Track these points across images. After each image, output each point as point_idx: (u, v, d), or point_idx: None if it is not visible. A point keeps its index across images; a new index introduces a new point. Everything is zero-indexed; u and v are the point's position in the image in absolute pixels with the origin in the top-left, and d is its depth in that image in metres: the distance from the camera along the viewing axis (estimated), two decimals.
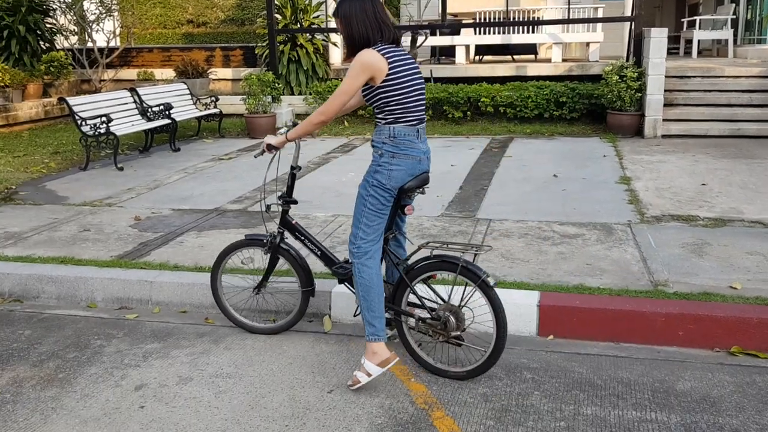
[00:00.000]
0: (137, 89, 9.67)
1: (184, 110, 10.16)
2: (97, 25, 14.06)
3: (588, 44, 13.08)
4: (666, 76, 9.59)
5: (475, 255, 3.33)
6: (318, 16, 12.84)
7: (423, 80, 3.29)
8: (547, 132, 9.96)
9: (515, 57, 14.11)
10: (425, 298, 3.42)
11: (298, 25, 12.42)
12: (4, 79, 11.77)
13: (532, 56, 14.20)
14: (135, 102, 9.42)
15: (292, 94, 12.45)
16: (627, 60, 10.49)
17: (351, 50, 3.19)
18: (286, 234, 3.76)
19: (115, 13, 14.72)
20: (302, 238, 3.71)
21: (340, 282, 3.70)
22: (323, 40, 13.06)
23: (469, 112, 10.71)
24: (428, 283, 3.47)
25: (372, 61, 3.08)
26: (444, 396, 3.23)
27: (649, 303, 3.85)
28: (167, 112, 9.44)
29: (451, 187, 6.83)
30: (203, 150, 9.47)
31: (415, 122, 3.23)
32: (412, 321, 3.46)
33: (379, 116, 3.23)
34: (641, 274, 4.32)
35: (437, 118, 10.93)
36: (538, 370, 3.47)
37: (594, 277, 4.30)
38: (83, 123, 8.26)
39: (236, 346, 3.80)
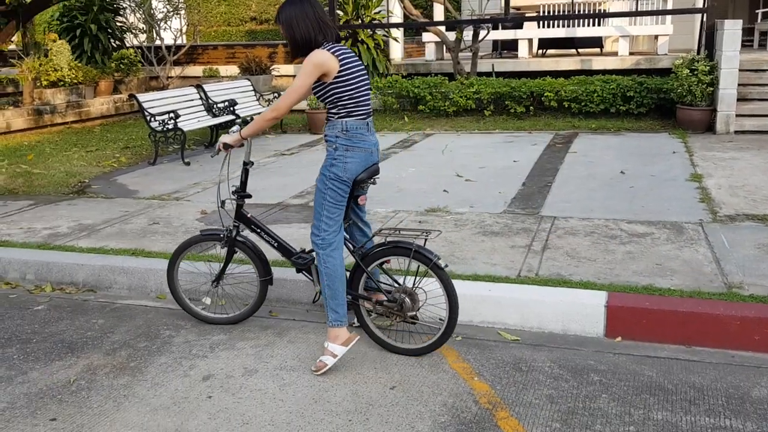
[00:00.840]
0: (203, 86, 9.90)
1: (248, 106, 10.34)
2: (165, 23, 14.46)
3: (656, 37, 12.67)
4: (739, 70, 9.20)
5: (425, 240, 3.50)
6: (379, 12, 12.86)
7: (368, 77, 3.48)
8: (613, 127, 9.71)
9: (580, 50, 13.80)
10: (381, 282, 3.65)
11: (360, 21, 12.46)
12: (77, 77, 12.24)
13: (597, 50, 13.86)
14: (201, 98, 9.65)
15: None
16: (698, 53, 10.12)
17: (295, 52, 3.39)
18: (242, 227, 3.90)
19: (182, 12, 15.10)
20: (258, 230, 3.88)
21: (298, 271, 3.87)
22: (384, 35, 13.07)
23: (531, 107, 10.53)
24: (383, 268, 3.68)
25: (323, 60, 3.28)
26: (508, 396, 3.18)
27: (722, 305, 3.70)
28: (231, 108, 9.63)
29: (514, 183, 6.73)
30: (266, 145, 9.62)
31: (364, 115, 3.42)
32: (369, 304, 3.64)
33: (332, 111, 3.41)
34: (714, 276, 4.16)
35: (498, 113, 10.79)
36: (606, 373, 3.38)
37: (664, 278, 4.16)
38: (152, 119, 8.50)
39: (299, 340, 3.84)
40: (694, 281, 4.08)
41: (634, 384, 3.27)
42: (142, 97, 8.69)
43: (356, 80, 3.37)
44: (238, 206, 3.85)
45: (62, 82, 12.06)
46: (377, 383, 3.33)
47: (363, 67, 3.45)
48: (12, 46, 12.66)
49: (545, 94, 10.31)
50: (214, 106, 9.66)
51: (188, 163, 8.40)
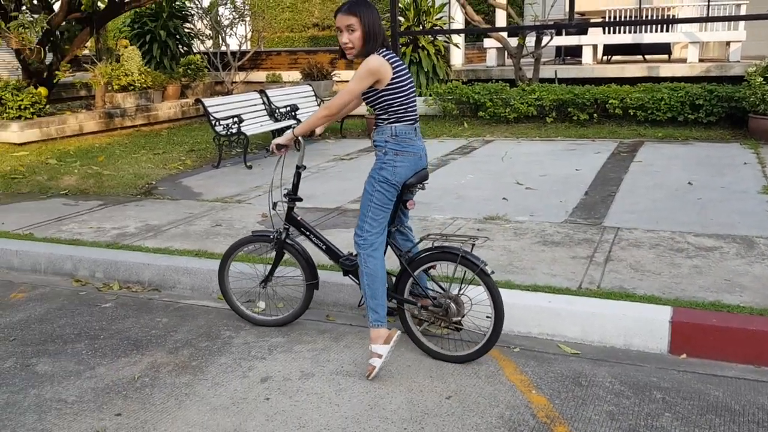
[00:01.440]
0: (266, 91, 10.09)
1: (309, 111, 10.47)
2: (231, 29, 14.82)
3: (728, 43, 12.25)
4: None
5: (473, 245, 3.53)
6: (441, 18, 12.85)
7: (414, 83, 3.55)
8: (680, 136, 9.42)
9: (646, 57, 13.46)
10: (427, 288, 3.66)
11: (421, 27, 12.48)
12: (147, 81, 12.66)
13: (665, 56, 13.49)
14: (264, 103, 9.83)
15: None
16: None
17: (361, 51, 3.39)
18: (292, 229, 3.96)
19: (248, 18, 15.44)
20: (307, 233, 3.92)
21: (345, 274, 3.90)
22: (445, 41, 13.05)
23: (595, 115, 10.32)
24: (429, 274, 3.67)
25: (379, 66, 3.32)
26: (566, 411, 3.12)
27: None
28: (293, 113, 9.78)
29: (576, 192, 6.61)
30: (326, 150, 9.72)
31: (412, 121, 3.48)
32: (414, 309, 3.63)
33: (382, 116, 3.46)
34: None
35: (561, 120, 10.62)
36: (670, 391, 3.28)
37: (733, 294, 4.01)
38: (217, 123, 8.72)
39: (356, 345, 3.86)
40: (765, 298, 3.92)
41: (699, 403, 3.16)
42: (207, 101, 8.93)
43: (406, 87, 3.44)
44: (289, 209, 3.91)
45: (132, 87, 12.49)
46: (433, 392, 3.31)
47: (410, 73, 3.52)
48: (85, 52, 13.20)
49: (610, 102, 10.08)
50: (277, 110, 9.83)
51: (250, 167, 8.57)
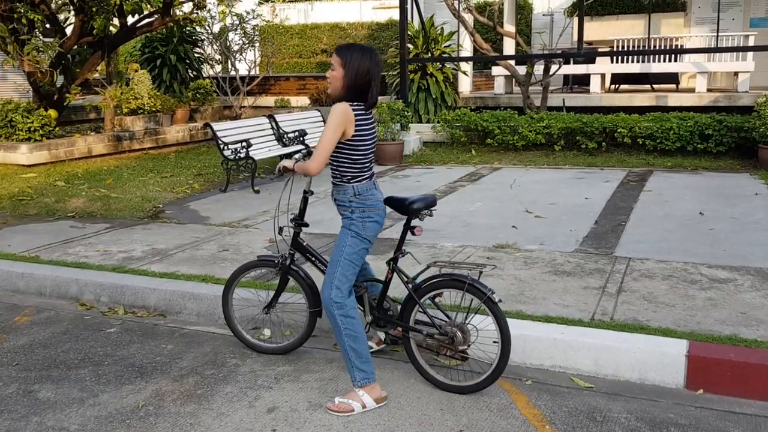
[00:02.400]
0: (274, 116, 10.11)
1: (317, 136, 10.47)
2: (240, 54, 14.92)
3: (736, 74, 12.26)
4: None
5: (480, 273, 3.47)
6: (449, 45, 12.92)
7: (376, 139, 3.48)
8: (689, 166, 9.38)
9: (654, 86, 13.48)
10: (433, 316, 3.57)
11: (429, 54, 12.54)
12: (156, 105, 12.72)
13: (672, 86, 13.51)
14: (272, 128, 9.85)
15: (420, 122, 12.55)
16: None
17: (339, 94, 3.35)
18: (297, 255, 3.90)
19: (257, 44, 15.55)
20: (313, 259, 3.86)
21: None
22: (453, 68, 13.10)
23: (604, 143, 10.30)
24: (435, 302, 3.60)
25: (345, 113, 3.27)
26: None
27: None
28: (302, 138, 9.78)
29: (586, 221, 6.55)
30: None
31: (369, 176, 3.46)
32: (419, 337, 3.58)
33: (339, 173, 3.41)
34: None
35: (569, 148, 10.60)
36: (687, 428, 3.19)
37: (749, 328, 3.92)
38: (225, 147, 8.72)
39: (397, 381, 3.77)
40: None
41: None
42: (216, 126, 8.94)
43: (368, 144, 3.38)
44: (295, 234, 3.86)
45: (141, 110, 12.55)
46: (444, 425, 3.23)
47: (374, 130, 3.45)
48: (96, 75, 13.30)
49: (618, 130, 10.07)
50: (285, 135, 9.84)
51: (258, 191, 8.55)
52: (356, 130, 3.32)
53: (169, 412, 3.40)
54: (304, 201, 3.85)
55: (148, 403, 3.50)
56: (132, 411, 3.43)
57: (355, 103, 3.33)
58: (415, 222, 3.57)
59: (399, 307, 3.69)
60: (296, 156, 3.73)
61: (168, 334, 4.47)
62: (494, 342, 3.42)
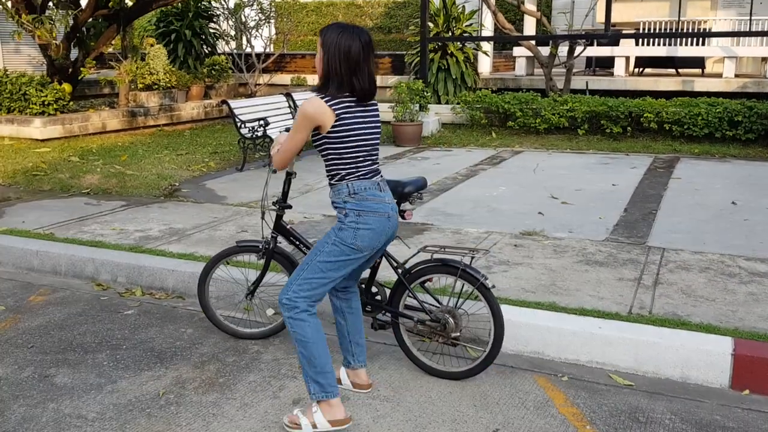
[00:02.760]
0: (291, 94, 9.90)
1: None
2: (256, 31, 14.68)
3: (764, 59, 11.93)
4: None
5: (472, 258, 3.35)
6: (471, 24, 12.64)
7: (376, 134, 3.03)
8: (717, 153, 9.12)
9: (679, 71, 13.16)
10: (423, 301, 3.44)
11: (450, 33, 12.26)
12: (171, 81, 12.54)
13: (698, 70, 13.19)
14: (289, 106, 9.65)
15: (439, 102, 12.31)
16: None
17: (320, 81, 2.96)
18: (280, 239, 3.72)
19: (273, 20, 15.31)
20: (297, 242, 3.66)
21: None
22: (474, 48, 12.82)
23: (629, 128, 10.04)
24: (425, 287, 3.50)
25: (314, 112, 2.87)
26: None
27: None
28: None
29: (614, 208, 6.34)
30: None
31: (370, 174, 3.01)
32: (410, 323, 3.46)
33: (331, 171, 3.01)
34: None
35: (593, 132, 10.35)
36: (736, 431, 3.02)
37: None
38: (242, 125, 8.54)
39: (391, 367, 3.63)
40: None
41: None
42: (233, 103, 8.75)
43: (357, 137, 2.94)
44: (278, 217, 3.67)
45: (156, 86, 12.37)
46: (479, 424, 3.08)
47: (370, 122, 2.99)
48: (111, 49, 13.11)
49: (645, 115, 9.80)
50: None
51: (275, 171, 8.36)
52: (340, 122, 2.88)
53: (191, 401, 3.27)
54: (288, 182, 3.63)
55: (168, 391, 3.37)
56: (152, 399, 3.29)
57: (336, 96, 2.88)
58: (405, 206, 3.39)
59: (388, 291, 3.55)
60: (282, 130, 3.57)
61: (187, 317, 4.33)
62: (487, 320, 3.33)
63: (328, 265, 2.96)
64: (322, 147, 2.97)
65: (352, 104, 2.93)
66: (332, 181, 3.02)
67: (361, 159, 2.99)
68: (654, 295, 4.20)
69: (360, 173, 2.98)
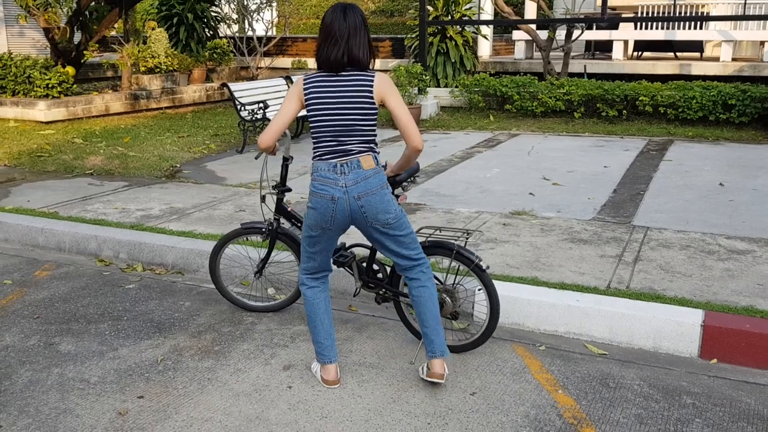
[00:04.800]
0: (291, 77, 10.04)
1: None
2: (258, 14, 14.77)
3: (762, 43, 11.99)
4: None
5: (466, 240, 3.46)
6: (470, 8, 12.71)
7: (347, 112, 2.99)
8: (711, 136, 9.25)
9: (678, 54, 13.23)
10: None
11: (449, 17, 12.34)
12: (173, 64, 12.67)
13: (696, 54, 13.25)
14: (289, 89, 9.79)
15: (438, 86, 12.42)
16: None
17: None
18: (282, 220, 3.94)
19: (274, 3, 15.38)
20: (299, 224, 3.86)
21: (339, 266, 3.75)
22: (473, 32, 12.91)
23: (624, 111, 10.16)
24: None
25: (294, 86, 3.07)
26: (594, 412, 3.06)
27: None
28: None
29: (604, 189, 6.50)
30: None
31: (330, 156, 3.01)
32: (409, 301, 3.49)
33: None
34: None
35: (589, 115, 10.47)
36: (700, 396, 3.20)
37: (766, 299, 3.91)
38: (242, 108, 8.69)
39: (378, 337, 3.82)
40: None
41: (730, 410, 3.08)
42: (234, 86, 8.90)
43: (324, 115, 2.98)
44: (278, 200, 3.88)
45: (158, 69, 12.51)
46: (457, 388, 3.26)
47: (340, 100, 2.98)
48: (113, 33, 13.24)
49: (640, 98, 9.91)
50: None
51: (274, 153, 8.53)
52: (309, 99, 2.99)
53: (187, 367, 3.46)
54: (285, 167, 3.85)
55: (166, 358, 3.56)
56: (151, 365, 3.49)
57: (314, 74, 3.03)
58: (398, 191, 3.52)
59: (388, 269, 3.71)
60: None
61: (186, 291, 4.53)
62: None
63: (306, 239, 3.22)
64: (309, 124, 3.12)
65: (324, 80, 2.97)
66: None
67: (325, 138, 3.01)
68: (633, 270, 4.37)
69: (320, 153, 3.06)
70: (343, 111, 2.99)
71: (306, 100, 3.02)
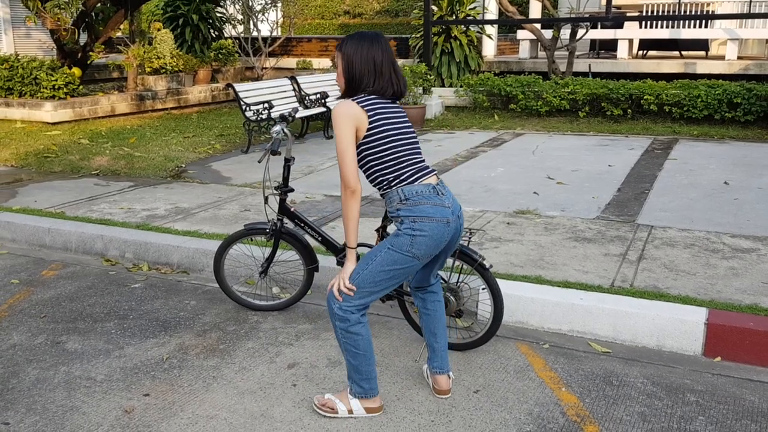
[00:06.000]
0: (296, 77, 10.07)
1: (339, 99, 10.43)
2: (263, 15, 14.82)
3: None
4: None
5: (469, 239, 3.44)
6: (474, 8, 12.72)
7: (410, 133, 2.92)
8: (716, 134, 9.23)
9: (683, 53, 13.20)
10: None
11: (454, 17, 12.36)
12: (178, 65, 12.72)
13: (701, 53, 13.22)
14: (294, 90, 9.82)
15: (443, 85, 12.43)
16: None
17: (344, 93, 2.92)
18: (285, 220, 3.96)
19: (279, 4, 15.43)
20: (302, 224, 3.88)
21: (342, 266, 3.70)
22: (477, 31, 12.91)
23: (629, 110, 10.15)
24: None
25: (346, 111, 2.77)
26: (597, 410, 3.07)
27: None
28: (323, 101, 9.75)
29: (608, 188, 6.50)
30: None
31: (420, 174, 2.85)
32: (413, 299, 3.46)
33: (376, 180, 2.89)
34: None
35: (594, 114, 10.46)
36: (704, 394, 3.20)
37: None
38: (247, 108, 8.72)
39: (383, 335, 3.83)
40: None
41: (734, 408, 3.08)
42: (238, 86, 8.93)
43: (394, 137, 2.84)
44: (281, 200, 3.91)
45: (164, 70, 12.56)
46: (460, 386, 3.28)
47: (403, 122, 2.90)
48: (119, 34, 13.30)
49: (645, 97, 9.90)
50: (307, 97, 9.81)
51: (279, 153, 8.55)
52: (374, 123, 2.80)
53: (192, 365, 3.49)
54: (287, 168, 3.90)
55: (172, 356, 3.59)
56: (156, 363, 3.52)
57: (362, 96, 2.84)
58: None
59: None
60: (275, 129, 3.77)
61: (191, 290, 4.55)
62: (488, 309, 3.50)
63: (382, 273, 2.81)
64: (360, 153, 2.86)
65: (381, 103, 2.87)
66: (383, 191, 2.89)
67: (404, 159, 2.86)
68: (637, 269, 4.38)
69: (406, 173, 2.84)
70: (409, 131, 2.94)
71: (372, 122, 2.82)
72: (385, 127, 2.82)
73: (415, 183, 2.83)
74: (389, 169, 2.84)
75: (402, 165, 2.84)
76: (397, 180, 2.83)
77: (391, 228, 3.43)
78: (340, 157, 2.77)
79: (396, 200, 2.82)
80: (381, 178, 2.87)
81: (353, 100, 2.82)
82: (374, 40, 2.88)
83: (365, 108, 2.80)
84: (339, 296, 2.85)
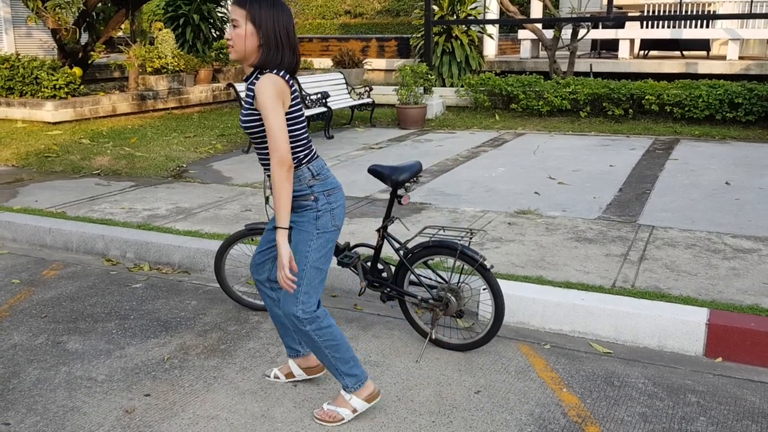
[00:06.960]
0: (297, 78, 10.07)
1: (340, 99, 10.45)
2: None
3: None
4: None
5: (470, 240, 3.47)
6: (475, 7, 12.72)
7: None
8: (717, 135, 9.22)
9: (684, 53, 13.19)
10: (425, 278, 3.63)
11: (455, 16, 12.35)
12: (180, 65, 12.71)
13: (703, 53, 13.21)
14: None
15: (444, 85, 12.43)
16: None
17: (247, 57, 2.72)
18: None
19: None
20: None
21: (343, 266, 3.73)
22: (479, 31, 12.91)
23: (630, 110, 10.14)
24: (427, 264, 3.69)
25: (282, 84, 2.65)
26: (598, 411, 3.06)
27: None
28: (324, 101, 9.75)
29: (610, 188, 6.49)
30: (355, 138, 9.69)
31: (316, 154, 2.89)
32: (414, 300, 3.61)
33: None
34: None
35: (595, 114, 10.46)
36: (705, 394, 3.20)
37: None
38: None
39: (384, 335, 3.83)
40: None
41: (735, 409, 3.08)
42: (240, 86, 8.93)
43: (303, 116, 2.83)
44: None
45: (165, 70, 12.56)
46: (462, 386, 3.28)
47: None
48: (120, 33, 13.31)
49: (646, 97, 9.90)
50: (307, 97, 9.81)
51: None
52: (294, 100, 2.73)
53: (193, 366, 3.49)
54: None
55: (173, 356, 3.59)
56: (157, 363, 3.52)
57: (281, 72, 2.69)
58: (401, 192, 3.53)
59: (393, 268, 3.72)
60: None
61: (192, 290, 4.55)
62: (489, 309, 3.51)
63: (321, 260, 2.86)
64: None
65: (293, 79, 2.80)
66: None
67: (308, 137, 2.87)
68: (638, 269, 4.37)
69: (312, 152, 2.87)
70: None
71: (293, 99, 2.76)
72: (299, 105, 2.79)
73: (317, 159, 2.89)
74: (301, 147, 2.81)
75: (309, 142, 2.86)
76: (307, 157, 2.83)
77: (392, 228, 3.43)
78: (273, 132, 2.62)
79: (308, 176, 2.81)
80: (293, 155, 2.77)
81: (278, 74, 2.67)
82: (284, 6, 2.73)
83: (290, 84, 2.71)
84: (291, 285, 2.71)
